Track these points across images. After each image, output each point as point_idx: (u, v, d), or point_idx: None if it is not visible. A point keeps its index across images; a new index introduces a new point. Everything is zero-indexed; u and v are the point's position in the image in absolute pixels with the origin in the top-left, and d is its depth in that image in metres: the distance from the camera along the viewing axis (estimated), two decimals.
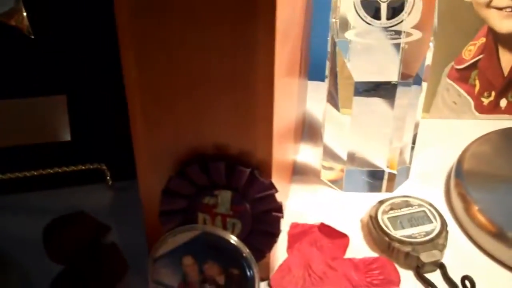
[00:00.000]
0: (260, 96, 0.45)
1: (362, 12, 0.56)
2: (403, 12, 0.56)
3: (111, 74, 0.54)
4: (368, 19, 0.56)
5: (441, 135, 0.72)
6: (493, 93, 0.73)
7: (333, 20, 0.57)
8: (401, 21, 0.56)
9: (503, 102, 0.74)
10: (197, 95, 0.46)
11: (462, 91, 0.73)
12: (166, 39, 0.44)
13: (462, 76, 0.72)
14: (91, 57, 0.60)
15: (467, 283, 0.53)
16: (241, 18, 0.42)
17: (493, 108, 0.74)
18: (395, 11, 0.56)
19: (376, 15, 0.56)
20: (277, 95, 0.46)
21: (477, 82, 0.72)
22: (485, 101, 0.73)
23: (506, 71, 0.72)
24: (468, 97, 0.73)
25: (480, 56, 0.71)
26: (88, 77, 0.61)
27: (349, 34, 0.57)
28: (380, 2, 0.55)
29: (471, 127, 0.72)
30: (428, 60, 0.59)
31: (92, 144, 0.62)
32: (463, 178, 0.62)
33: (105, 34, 0.54)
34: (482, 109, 0.74)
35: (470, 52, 0.71)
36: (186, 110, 0.47)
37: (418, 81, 0.59)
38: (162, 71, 0.45)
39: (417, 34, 0.57)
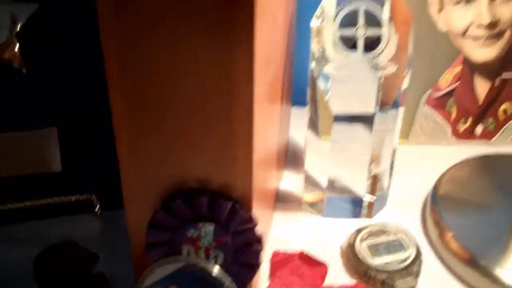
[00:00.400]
0: (239, 134, 0.48)
1: (340, 47, 0.58)
2: (380, 47, 0.59)
3: (100, 107, 0.56)
4: (346, 53, 0.58)
5: (419, 161, 0.75)
6: (469, 120, 0.76)
7: (313, 53, 0.60)
8: (378, 55, 0.59)
9: (478, 129, 0.76)
10: (180, 132, 0.48)
11: (439, 118, 0.76)
12: (152, 77, 0.46)
13: (439, 103, 0.75)
14: (81, 91, 0.62)
15: None
16: (220, 52, 0.44)
17: (469, 135, 0.76)
18: (371, 45, 0.59)
19: (354, 49, 0.59)
20: (257, 130, 0.49)
21: (453, 109, 0.75)
22: (462, 127, 0.76)
23: (481, 99, 0.74)
24: (445, 124, 0.76)
25: (456, 84, 0.74)
26: (78, 110, 0.63)
27: (328, 68, 0.59)
28: (357, 37, 0.58)
29: (448, 153, 0.75)
30: (405, 85, 0.61)
31: (82, 174, 0.65)
32: (438, 204, 0.65)
33: (96, 69, 0.56)
34: (458, 135, 0.77)
35: (446, 80, 0.74)
36: (171, 146, 0.49)
37: (395, 106, 0.61)
38: (148, 109, 0.48)
39: (393, 67, 0.60)
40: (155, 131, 0.49)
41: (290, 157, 0.76)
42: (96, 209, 0.65)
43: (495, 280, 0.57)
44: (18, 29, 0.60)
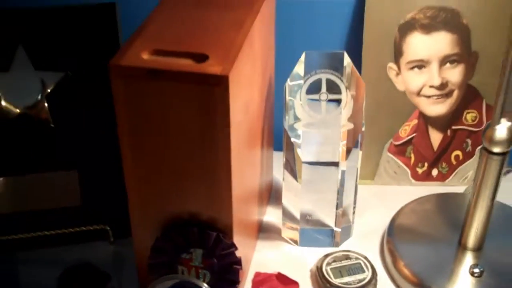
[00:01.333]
0: (220, 178, 0.61)
1: (307, 108, 0.72)
2: (339, 108, 0.72)
3: (114, 156, 0.70)
4: (312, 113, 0.72)
5: (382, 199, 0.88)
6: (425, 164, 0.89)
7: (285, 115, 0.73)
8: (338, 115, 0.72)
9: (434, 172, 0.89)
10: (174, 178, 0.62)
11: (400, 163, 0.89)
12: (152, 138, 0.60)
13: (400, 150, 0.88)
14: (98, 141, 0.76)
15: None
16: (203, 118, 0.58)
17: (426, 177, 0.90)
18: (333, 107, 0.72)
19: (319, 111, 0.72)
20: (235, 175, 0.62)
21: (412, 155, 0.88)
22: (420, 170, 0.89)
23: (435, 147, 0.88)
24: (406, 168, 0.89)
25: (414, 134, 0.87)
26: (96, 157, 0.77)
27: (297, 125, 0.73)
28: (321, 100, 0.72)
29: (408, 192, 0.87)
30: (361, 137, 0.74)
31: (98, 208, 0.78)
32: (393, 236, 0.78)
33: (110, 126, 0.70)
34: (417, 177, 0.90)
35: (405, 131, 0.87)
36: (168, 189, 0.63)
37: (355, 153, 0.74)
38: (149, 161, 0.62)
39: (350, 124, 0.73)
40: (156, 176, 0.62)
41: (274, 194, 0.90)
42: (110, 238, 0.78)
43: None
44: (48, 92, 0.74)
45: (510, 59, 0.63)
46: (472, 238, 0.74)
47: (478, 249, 0.74)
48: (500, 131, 0.66)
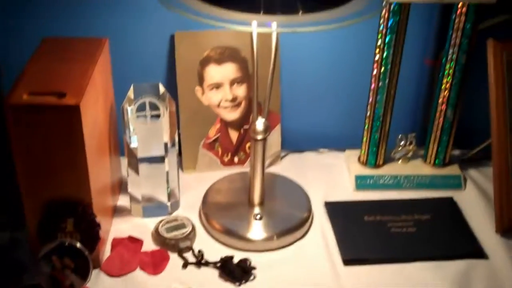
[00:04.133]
0: (82, 175, 0.95)
1: (138, 122, 1.07)
2: (159, 120, 1.08)
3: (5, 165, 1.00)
4: (141, 125, 1.07)
5: (201, 181, 1.24)
6: (229, 154, 1.27)
7: (124, 128, 1.08)
8: (159, 124, 1.08)
9: (236, 159, 1.28)
10: (54, 177, 0.95)
11: (211, 155, 1.27)
12: (37, 153, 0.93)
13: (210, 146, 1.26)
14: None
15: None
16: (66, 136, 0.91)
17: (231, 162, 1.28)
18: (155, 120, 1.08)
19: (145, 123, 1.08)
20: (91, 172, 0.96)
21: (219, 149, 1.26)
22: (226, 159, 1.27)
23: (234, 141, 1.26)
24: (216, 158, 1.27)
25: (219, 134, 1.25)
26: None
27: (133, 134, 1.08)
28: (146, 115, 1.07)
29: (220, 175, 1.25)
30: (177, 138, 1.11)
31: None
32: (206, 203, 1.15)
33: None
34: (224, 164, 1.28)
35: (212, 132, 1.25)
36: (49, 183, 0.95)
37: (172, 148, 1.11)
38: (36, 166, 0.94)
39: (168, 129, 1.09)
40: (40, 176, 0.94)
41: (124, 186, 1.23)
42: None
43: (242, 239, 1.08)
44: None
45: (255, 78, 1.02)
46: (255, 197, 1.13)
47: (260, 204, 1.13)
48: (259, 125, 1.05)
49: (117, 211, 1.17)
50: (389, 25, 1.10)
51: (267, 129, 1.07)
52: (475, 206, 1.19)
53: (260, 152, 1.07)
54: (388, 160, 1.26)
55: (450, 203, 1.19)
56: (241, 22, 0.91)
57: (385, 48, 1.12)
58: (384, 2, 1.07)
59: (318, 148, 1.35)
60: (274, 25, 0.92)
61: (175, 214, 1.15)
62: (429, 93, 1.28)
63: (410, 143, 1.25)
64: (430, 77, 1.28)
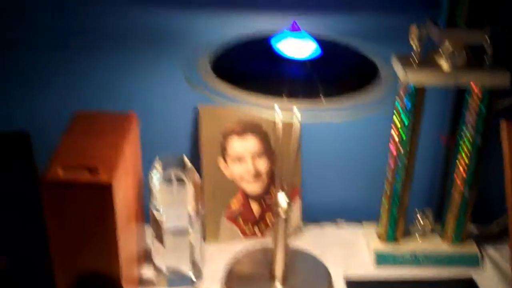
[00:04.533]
0: (111, 249, 0.98)
1: (164, 193, 1.11)
2: (185, 191, 1.12)
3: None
4: (167, 196, 1.11)
5: (223, 252, 1.27)
6: (250, 225, 1.30)
7: (151, 199, 1.11)
8: (185, 195, 1.12)
9: (257, 230, 1.31)
10: (86, 250, 0.98)
11: (234, 226, 1.30)
12: (70, 229, 0.96)
13: (232, 217, 1.29)
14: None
15: None
16: (99, 216, 0.95)
17: (252, 234, 1.31)
18: (180, 191, 1.12)
19: (171, 194, 1.11)
20: (121, 244, 0.99)
21: (241, 220, 1.30)
22: (247, 230, 1.30)
23: (256, 213, 1.30)
24: (237, 229, 1.30)
25: (240, 206, 1.29)
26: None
27: (159, 205, 1.11)
28: (172, 185, 1.11)
29: (239, 245, 1.28)
30: (202, 210, 1.14)
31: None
32: (230, 275, 1.18)
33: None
34: (245, 235, 1.31)
35: (234, 204, 1.29)
36: (81, 256, 0.99)
37: (198, 220, 1.14)
38: (69, 241, 0.97)
39: (193, 202, 1.13)
40: (72, 249, 0.98)
41: (148, 255, 1.26)
42: None
43: None
44: None
45: (279, 157, 1.06)
46: (277, 272, 1.15)
47: (282, 279, 1.16)
48: (283, 202, 1.09)
49: (141, 282, 1.19)
50: (407, 108, 1.14)
51: (290, 207, 1.10)
52: (493, 286, 1.21)
53: (283, 229, 1.11)
54: (406, 232, 1.29)
55: (469, 284, 1.21)
56: (263, 105, 0.94)
57: (404, 131, 1.16)
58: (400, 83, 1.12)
59: (335, 219, 1.38)
60: (296, 111, 0.97)
61: (198, 285, 1.18)
62: (445, 168, 1.32)
63: (427, 217, 1.28)
64: (446, 152, 1.31)
